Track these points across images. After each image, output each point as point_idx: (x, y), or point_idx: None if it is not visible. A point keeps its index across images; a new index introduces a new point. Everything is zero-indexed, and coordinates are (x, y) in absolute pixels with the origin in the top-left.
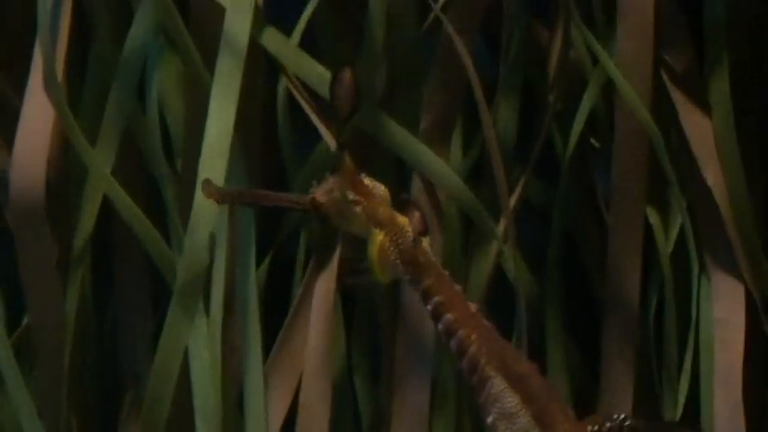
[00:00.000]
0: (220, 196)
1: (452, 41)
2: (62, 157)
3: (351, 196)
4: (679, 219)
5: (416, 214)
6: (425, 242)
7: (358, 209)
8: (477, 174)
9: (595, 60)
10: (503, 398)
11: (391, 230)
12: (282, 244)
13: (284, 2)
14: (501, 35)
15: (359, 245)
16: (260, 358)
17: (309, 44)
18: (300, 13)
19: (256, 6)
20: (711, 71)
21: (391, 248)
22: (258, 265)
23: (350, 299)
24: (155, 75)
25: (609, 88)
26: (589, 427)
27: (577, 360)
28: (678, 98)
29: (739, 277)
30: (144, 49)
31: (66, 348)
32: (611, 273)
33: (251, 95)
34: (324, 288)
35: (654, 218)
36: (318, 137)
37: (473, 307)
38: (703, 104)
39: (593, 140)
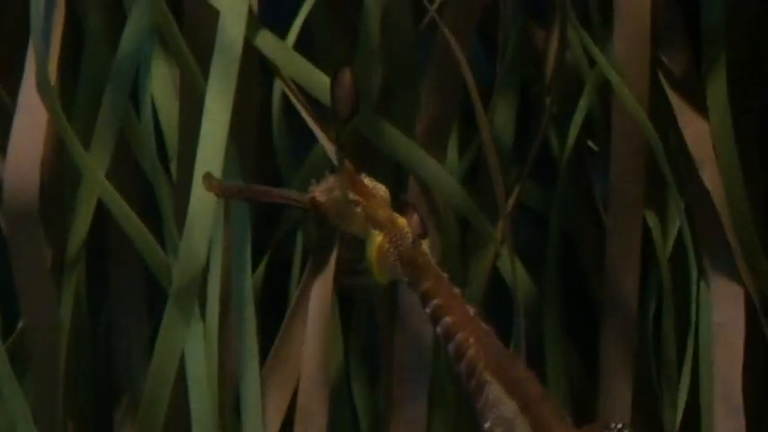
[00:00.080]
0: (221, 190)
1: (448, 42)
2: (56, 160)
3: (350, 196)
4: (677, 221)
5: (415, 217)
6: (425, 244)
7: (357, 209)
8: (473, 176)
9: (592, 62)
10: (500, 403)
11: (391, 232)
12: (279, 246)
13: (279, 3)
14: (497, 36)
15: (357, 245)
16: (257, 361)
17: (305, 46)
18: (295, 14)
19: (251, 8)
20: (709, 72)
21: (390, 250)
22: (254, 267)
23: (347, 301)
24: (148, 77)
25: (606, 90)
26: None
27: (576, 363)
28: (675, 100)
29: (738, 280)
30: (138, 52)
31: (62, 352)
32: (610, 275)
33: (246, 98)
34: (321, 290)
35: (652, 220)
36: (314, 140)
37: (472, 310)
38: (701, 106)
39: (590, 142)
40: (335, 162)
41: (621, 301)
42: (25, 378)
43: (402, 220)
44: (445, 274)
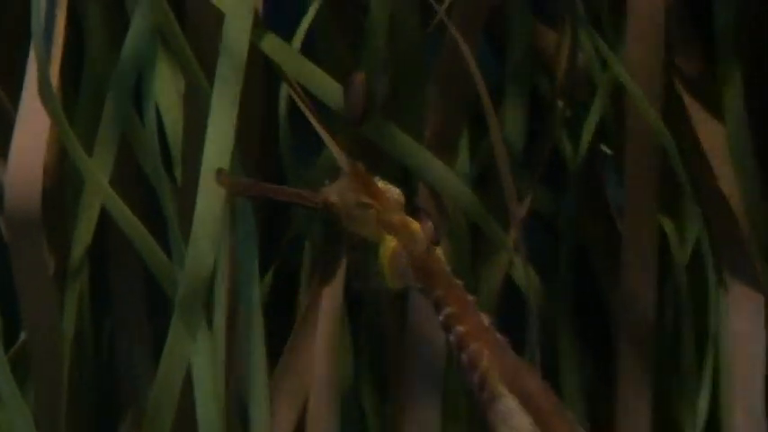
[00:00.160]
0: (232, 186)
1: (456, 44)
2: (58, 166)
3: (363, 199)
4: (694, 227)
5: (428, 223)
6: (438, 251)
7: (370, 212)
8: (484, 181)
9: (604, 64)
10: (513, 417)
11: (404, 236)
12: (286, 254)
13: (284, 6)
14: (506, 38)
15: (369, 249)
16: (265, 372)
17: (310, 49)
18: (301, 17)
19: (256, 11)
20: (724, 73)
21: (403, 255)
22: (262, 275)
23: (357, 310)
24: (152, 81)
25: (619, 92)
26: None
27: (591, 374)
28: (690, 102)
29: (758, 287)
30: (140, 55)
31: (64, 362)
32: (625, 283)
33: (251, 102)
34: (330, 299)
35: (668, 226)
36: (321, 145)
37: (486, 320)
38: (716, 108)
39: (603, 146)
40: (343, 166)
41: (638, 310)
42: (27, 388)
43: (416, 225)
44: (459, 282)
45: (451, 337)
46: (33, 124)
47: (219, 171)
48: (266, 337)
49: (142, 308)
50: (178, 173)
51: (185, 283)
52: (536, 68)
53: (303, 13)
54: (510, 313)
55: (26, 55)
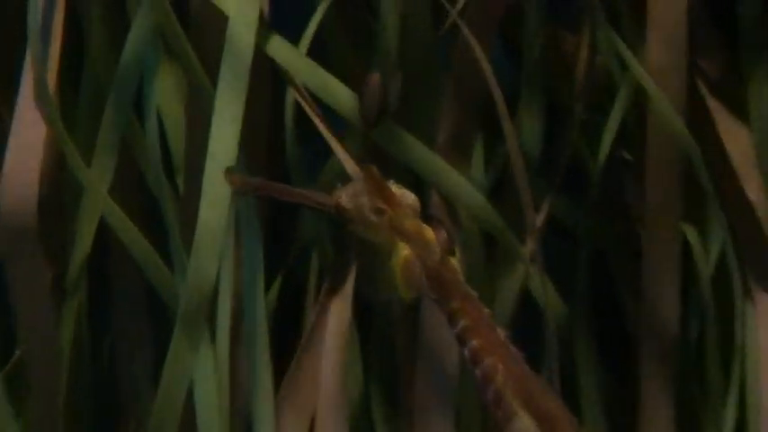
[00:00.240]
0: (243, 186)
1: (470, 47)
2: (55, 175)
3: (377, 204)
4: (719, 237)
5: (442, 232)
6: (454, 261)
7: (383, 218)
8: (499, 190)
9: (624, 66)
10: None
11: (418, 244)
12: (293, 266)
13: (291, 8)
14: (521, 40)
15: (381, 257)
16: (270, 389)
17: (318, 52)
18: (308, 19)
19: (261, 12)
20: (750, 76)
21: (417, 264)
22: (267, 287)
23: (366, 322)
24: (153, 86)
25: (640, 96)
26: None
27: (612, 391)
28: (715, 106)
29: None
30: (142, 59)
31: (62, 379)
32: (648, 297)
33: (257, 108)
34: (339, 312)
35: (692, 236)
36: (329, 152)
37: (502, 334)
38: (742, 112)
39: (624, 153)
40: (351, 174)
41: (660, 324)
42: (23, 407)
43: (431, 233)
44: (475, 294)
45: (465, 352)
46: (29, 130)
47: (229, 169)
48: (272, 351)
49: (143, 321)
50: (180, 180)
51: (187, 296)
52: (553, 71)
53: (310, 14)
54: (526, 327)
55: (22, 56)
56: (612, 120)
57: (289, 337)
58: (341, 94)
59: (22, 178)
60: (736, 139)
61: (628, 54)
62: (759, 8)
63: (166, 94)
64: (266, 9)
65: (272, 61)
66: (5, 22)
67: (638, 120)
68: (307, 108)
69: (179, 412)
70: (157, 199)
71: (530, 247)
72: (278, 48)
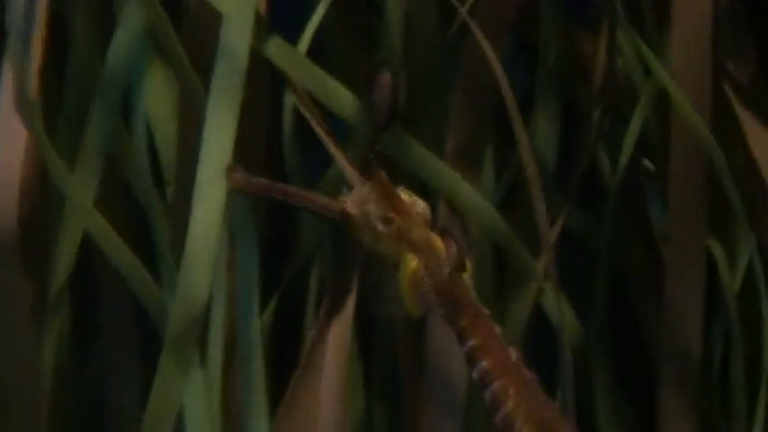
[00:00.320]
0: (245, 185)
1: (481, 49)
2: (36, 186)
3: (385, 212)
4: (746, 252)
5: (453, 246)
6: (465, 276)
7: (391, 228)
8: (511, 201)
9: (646, 69)
10: None
11: (427, 256)
12: (291, 283)
13: (289, 6)
14: (536, 41)
15: (389, 268)
16: (266, 413)
17: (318, 54)
18: (308, 18)
19: (258, 11)
20: None
21: (425, 277)
22: (263, 307)
23: (369, 341)
24: (142, 89)
25: (662, 102)
26: None
27: (631, 417)
28: (743, 113)
29: None
30: (129, 60)
31: (43, 403)
32: (669, 315)
33: (253, 113)
34: (339, 333)
35: (717, 251)
36: (330, 160)
37: (514, 354)
38: None
39: (645, 162)
40: (354, 183)
41: (683, 344)
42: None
43: (441, 244)
44: (486, 311)
45: (475, 373)
46: (9, 138)
47: (230, 167)
48: (268, 373)
49: (130, 341)
50: (170, 191)
51: (177, 314)
52: (570, 75)
53: (310, 13)
54: (540, 347)
55: (1, 58)
56: (633, 126)
57: (286, 358)
58: (342, 98)
59: (1, 190)
60: (765, 147)
61: (650, 56)
62: None
63: (156, 97)
64: (263, 7)
65: (269, 63)
66: None
67: (660, 126)
68: (306, 113)
69: None
70: (145, 210)
71: (543, 262)
72: (276, 48)
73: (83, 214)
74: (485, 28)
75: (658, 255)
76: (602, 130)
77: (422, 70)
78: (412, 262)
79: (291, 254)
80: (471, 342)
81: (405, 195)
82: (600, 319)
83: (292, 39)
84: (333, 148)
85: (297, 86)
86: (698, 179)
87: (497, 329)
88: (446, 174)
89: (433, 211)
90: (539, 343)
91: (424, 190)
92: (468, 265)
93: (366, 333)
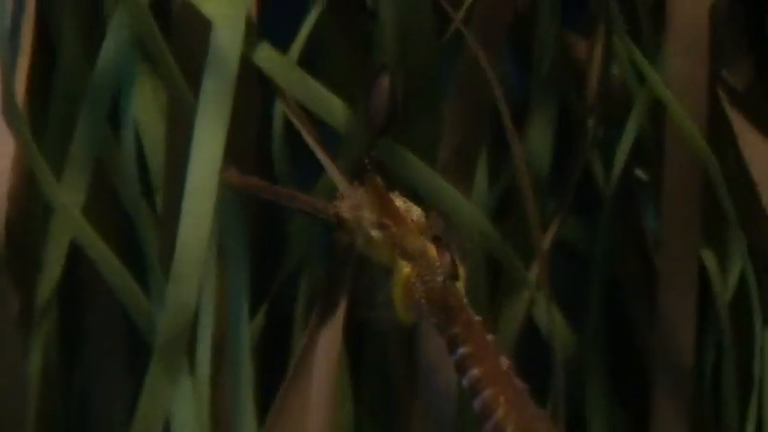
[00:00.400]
0: (241, 186)
1: (475, 56)
2: (24, 194)
3: (379, 218)
4: (739, 261)
5: (447, 255)
6: (458, 285)
7: (385, 235)
8: (504, 209)
9: (642, 78)
10: None
11: (420, 264)
12: (280, 291)
13: (280, 13)
14: (531, 49)
15: (381, 274)
16: (254, 423)
17: (310, 61)
18: (299, 25)
19: (248, 18)
20: None
21: (418, 285)
22: (252, 315)
23: (358, 352)
24: (130, 97)
25: (657, 110)
26: None
27: (624, 425)
28: (737, 121)
29: None
30: (118, 67)
31: (29, 413)
32: (662, 324)
33: (242, 121)
34: (329, 342)
35: (710, 260)
36: (320, 169)
37: (504, 363)
38: (766, 128)
39: (639, 171)
40: (344, 192)
41: (675, 354)
42: None
43: (435, 252)
44: (478, 319)
45: (465, 381)
46: None
47: (225, 168)
48: (256, 382)
49: (117, 351)
50: (158, 199)
51: (165, 324)
52: (565, 82)
53: (302, 20)
54: (532, 357)
55: None
56: (627, 134)
57: (275, 367)
58: (334, 107)
59: None
60: (759, 155)
61: (645, 63)
62: None
63: (144, 105)
64: (254, 14)
65: (259, 71)
66: None
67: (654, 135)
68: (296, 121)
69: None
70: (134, 219)
71: (536, 271)
72: (266, 56)
73: (70, 222)
74: (480, 34)
75: (651, 262)
76: (597, 137)
77: (416, 75)
78: (405, 269)
79: (281, 262)
80: (462, 350)
81: (399, 202)
82: (593, 327)
83: (284, 44)
84: (323, 157)
85: (286, 95)
86: (692, 187)
87: (489, 338)
88: (438, 182)
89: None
90: (533, 350)
91: (416, 199)
92: (462, 273)
93: (356, 341)
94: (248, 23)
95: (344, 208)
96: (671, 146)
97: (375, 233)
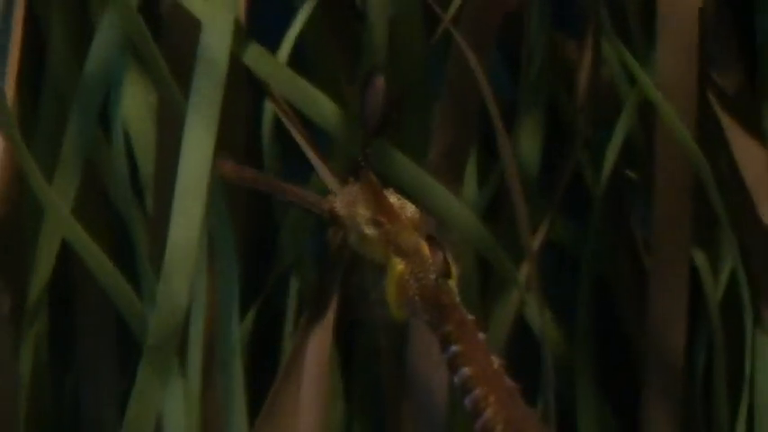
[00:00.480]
0: (235, 177)
1: (465, 57)
2: (14, 194)
3: (373, 214)
4: (730, 262)
5: (439, 254)
6: (451, 283)
7: (380, 231)
8: (494, 211)
9: (632, 79)
10: None
11: (414, 261)
12: (271, 292)
13: (270, 14)
14: (521, 50)
15: (374, 271)
16: (245, 423)
17: (299, 62)
18: (288, 25)
19: (237, 18)
20: (766, 92)
21: (411, 282)
22: (243, 315)
23: (349, 356)
24: (120, 97)
25: (647, 111)
26: None
27: (613, 427)
28: (728, 122)
29: None
30: (107, 68)
31: (20, 414)
32: (653, 325)
33: (232, 121)
34: (319, 342)
35: (701, 261)
36: (311, 169)
37: (496, 362)
38: (756, 130)
39: (629, 172)
40: (335, 192)
41: (666, 355)
42: None
43: (429, 250)
44: (471, 318)
45: (456, 379)
46: None
47: (221, 159)
48: (247, 383)
49: (109, 351)
50: (149, 199)
51: (156, 324)
52: (554, 83)
53: (291, 20)
54: (522, 357)
55: None
56: (617, 135)
57: (266, 368)
58: (324, 107)
59: None
60: (749, 157)
61: (635, 65)
62: None
63: (134, 106)
64: (242, 14)
65: (248, 71)
66: None
67: (644, 136)
68: (286, 122)
69: None
70: (124, 219)
71: (526, 271)
72: (255, 56)
73: (61, 222)
74: (469, 36)
75: (642, 263)
76: (587, 138)
77: (405, 77)
78: (399, 266)
79: (272, 262)
80: (454, 348)
81: (394, 198)
82: (584, 327)
83: (273, 46)
84: (313, 157)
85: (276, 95)
86: (682, 189)
87: (481, 336)
88: (428, 183)
89: None
90: (523, 350)
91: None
92: (455, 271)
93: (347, 342)
94: (237, 24)
95: (339, 203)
96: (661, 147)
97: (369, 230)
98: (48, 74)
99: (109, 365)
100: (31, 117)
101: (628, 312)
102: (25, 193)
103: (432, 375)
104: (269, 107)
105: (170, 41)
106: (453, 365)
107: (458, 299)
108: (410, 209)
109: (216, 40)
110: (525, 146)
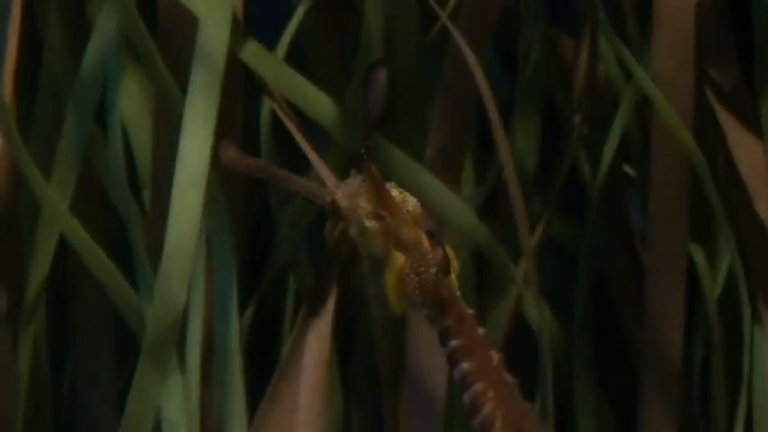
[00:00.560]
0: (237, 165)
1: (462, 54)
2: (11, 191)
3: (375, 208)
4: (727, 258)
5: (439, 250)
6: (451, 279)
7: (381, 225)
8: (492, 207)
9: (628, 75)
10: None
11: (414, 255)
12: (269, 288)
13: (268, 10)
14: (518, 47)
15: (374, 265)
16: (244, 420)
17: (296, 58)
18: (286, 22)
19: (235, 15)
20: (763, 87)
21: (411, 276)
22: (241, 312)
23: (348, 352)
24: (117, 93)
25: (644, 108)
26: None
27: (611, 423)
28: (725, 118)
29: None
30: (104, 64)
31: (19, 411)
32: (650, 321)
33: (229, 118)
34: (317, 339)
35: (698, 257)
36: (308, 165)
37: (495, 357)
38: (754, 125)
39: (626, 168)
40: (332, 187)
41: (663, 351)
42: None
43: (429, 244)
44: (470, 312)
45: (456, 374)
46: None
47: (225, 146)
48: (245, 380)
49: (107, 348)
50: (146, 196)
51: (154, 321)
52: (551, 80)
53: (288, 17)
54: (520, 353)
55: None
56: (614, 132)
57: (264, 365)
58: (321, 104)
59: None
60: (746, 152)
61: (631, 61)
62: None
63: (131, 102)
64: (240, 10)
65: (246, 67)
66: None
67: (642, 132)
68: (283, 118)
69: None
70: (122, 216)
71: (524, 268)
72: (253, 53)
73: (59, 219)
74: (466, 33)
75: (639, 259)
76: (584, 134)
77: (402, 74)
78: (399, 260)
79: (270, 259)
80: (454, 343)
81: (395, 192)
82: (581, 323)
83: (270, 43)
84: (311, 153)
85: (274, 91)
86: (679, 184)
87: (481, 331)
88: (426, 179)
89: None
90: (521, 346)
91: None
92: (455, 266)
93: (345, 338)
94: (235, 20)
95: (341, 195)
96: (658, 143)
97: (370, 223)
98: (44, 71)
99: (107, 363)
100: (28, 114)
101: (625, 308)
102: (22, 190)
103: (431, 370)
104: (266, 104)
105: (167, 38)
106: (453, 360)
107: (458, 294)
108: (411, 203)
109: (213, 37)
110: (522, 142)
